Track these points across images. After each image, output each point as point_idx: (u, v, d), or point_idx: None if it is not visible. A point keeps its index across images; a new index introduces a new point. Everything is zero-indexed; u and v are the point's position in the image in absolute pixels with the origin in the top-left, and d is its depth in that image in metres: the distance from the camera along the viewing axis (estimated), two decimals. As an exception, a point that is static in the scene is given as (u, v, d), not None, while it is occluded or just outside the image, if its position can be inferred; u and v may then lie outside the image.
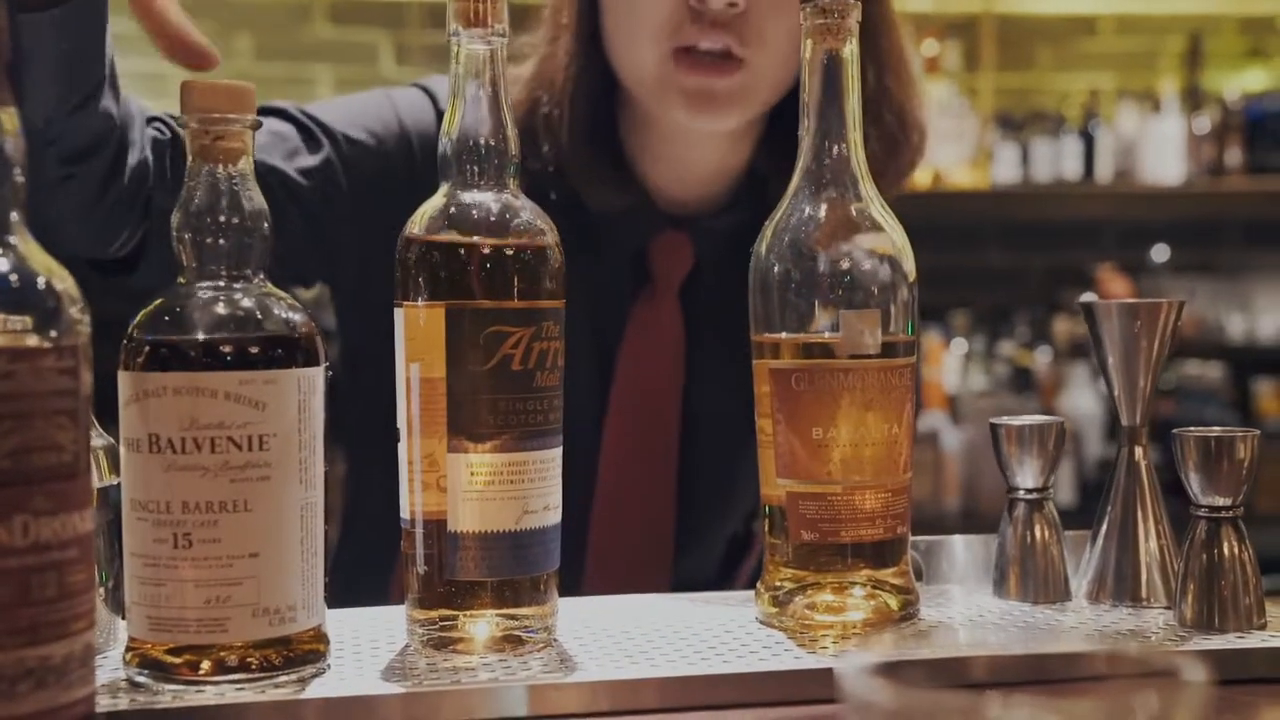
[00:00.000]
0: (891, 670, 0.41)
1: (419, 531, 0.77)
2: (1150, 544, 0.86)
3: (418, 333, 0.76)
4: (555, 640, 0.79)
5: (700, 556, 1.20)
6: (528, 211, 0.78)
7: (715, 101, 1.07)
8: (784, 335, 0.82)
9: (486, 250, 0.76)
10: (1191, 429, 0.80)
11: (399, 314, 0.78)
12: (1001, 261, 3.48)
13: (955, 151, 3.24)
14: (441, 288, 0.76)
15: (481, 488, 0.76)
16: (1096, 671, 0.44)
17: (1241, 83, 3.48)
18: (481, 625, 0.77)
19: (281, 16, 3.25)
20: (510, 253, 0.76)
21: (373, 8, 3.21)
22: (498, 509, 0.76)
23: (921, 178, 3.19)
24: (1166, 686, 0.40)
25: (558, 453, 0.79)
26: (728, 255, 1.16)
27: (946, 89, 3.27)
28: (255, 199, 0.73)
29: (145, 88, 3.34)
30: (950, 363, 3.26)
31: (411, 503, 0.78)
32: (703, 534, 1.19)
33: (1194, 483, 0.80)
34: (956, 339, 3.28)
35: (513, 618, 0.77)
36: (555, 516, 0.78)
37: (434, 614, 0.77)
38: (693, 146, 1.15)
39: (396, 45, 3.22)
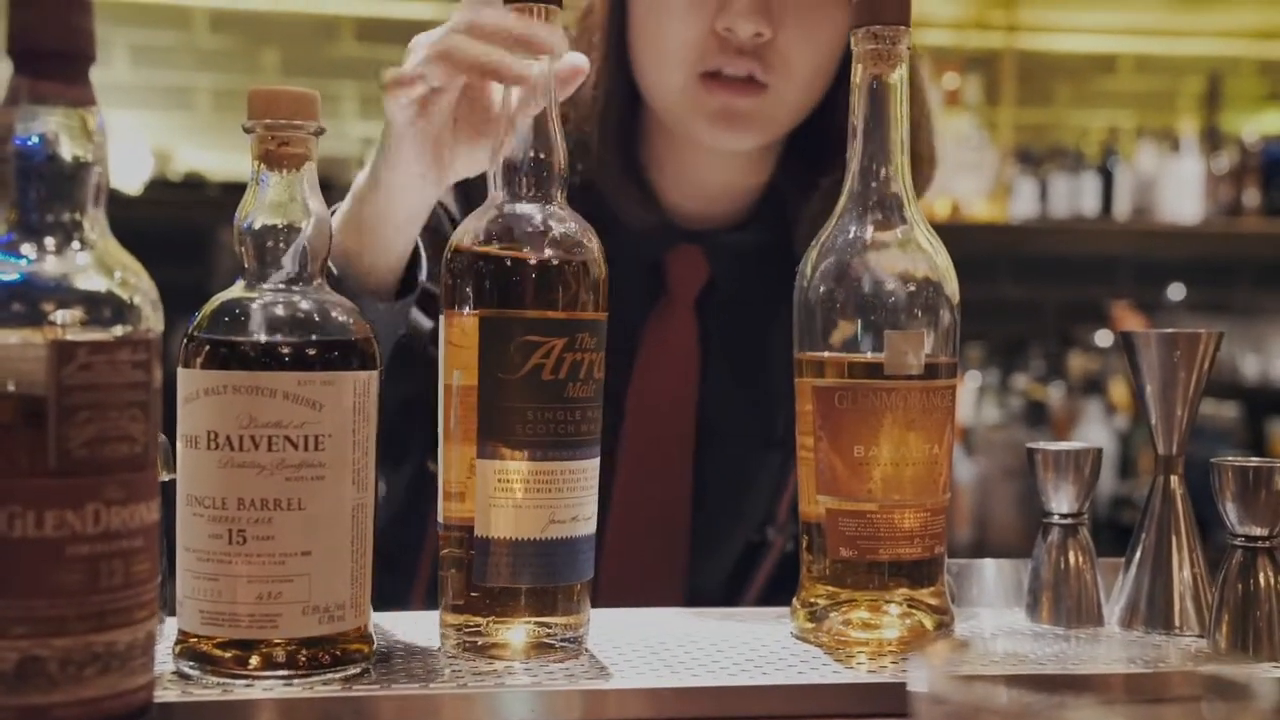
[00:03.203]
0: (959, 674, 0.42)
1: (453, 537, 0.79)
2: (1184, 572, 0.86)
3: (458, 341, 0.78)
4: (587, 650, 0.80)
5: (713, 563, 1.22)
6: (570, 224, 0.79)
7: (737, 120, 1.10)
8: (827, 354, 0.83)
9: (523, 261, 0.78)
10: (1230, 458, 0.81)
11: (442, 322, 0.79)
12: (1017, 295, 3.48)
13: (974, 184, 3.25)
14: (479, 297, 0.77)
15: (511, 495, 0.77)
16: (1159, 687, 0.45)
17: (1260, 125, 3.50)
18: (512, 632, 0.77)
19: (308, 33, 3.27)
20: (550, 264, 0.78)
21: (399, 26, 3.23)
22: (525, 517, 0.77)
23: (940, 209, 3.20)
24: (1232, 698, 0.41)
25: (591, 464, 0.80)
26: (743, 270, 1.19)
27: (967, 122, 3.29)
28: (317, 204, 0.74)
29: (173, 100, 3.35)
30: (963, 395, 3.27)
31: (446, 508, 0.79)
32: (716, 541, 1.21)
33: (1231, 512, 0.81)
34: (970, 371, 3.29)
35: (543, 625, 0.78)
36: (587, 528, 0.79)
37: (466, 619, 0.78)
38: (710, 165, 1.18)
39: (422, 64, 3.24)
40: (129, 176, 3.00)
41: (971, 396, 3.27)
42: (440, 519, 0.80)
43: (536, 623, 0.78)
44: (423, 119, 0.88)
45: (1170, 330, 0.87)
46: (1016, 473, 3.01)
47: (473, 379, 0.77)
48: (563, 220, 0.79)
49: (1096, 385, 3.28)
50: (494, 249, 0.78)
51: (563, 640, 0.78)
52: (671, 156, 1.18)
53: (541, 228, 0.79)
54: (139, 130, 3.10)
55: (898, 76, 0.84)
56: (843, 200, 0.85)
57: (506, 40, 0.81)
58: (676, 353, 1.19)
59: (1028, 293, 3.49)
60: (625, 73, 1.15)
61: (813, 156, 1.15)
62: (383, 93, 0.88)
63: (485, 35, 0.82)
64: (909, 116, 0.84)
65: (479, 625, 0.78)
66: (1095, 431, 3.20)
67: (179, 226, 2.83)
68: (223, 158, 3.13)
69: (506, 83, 0.81)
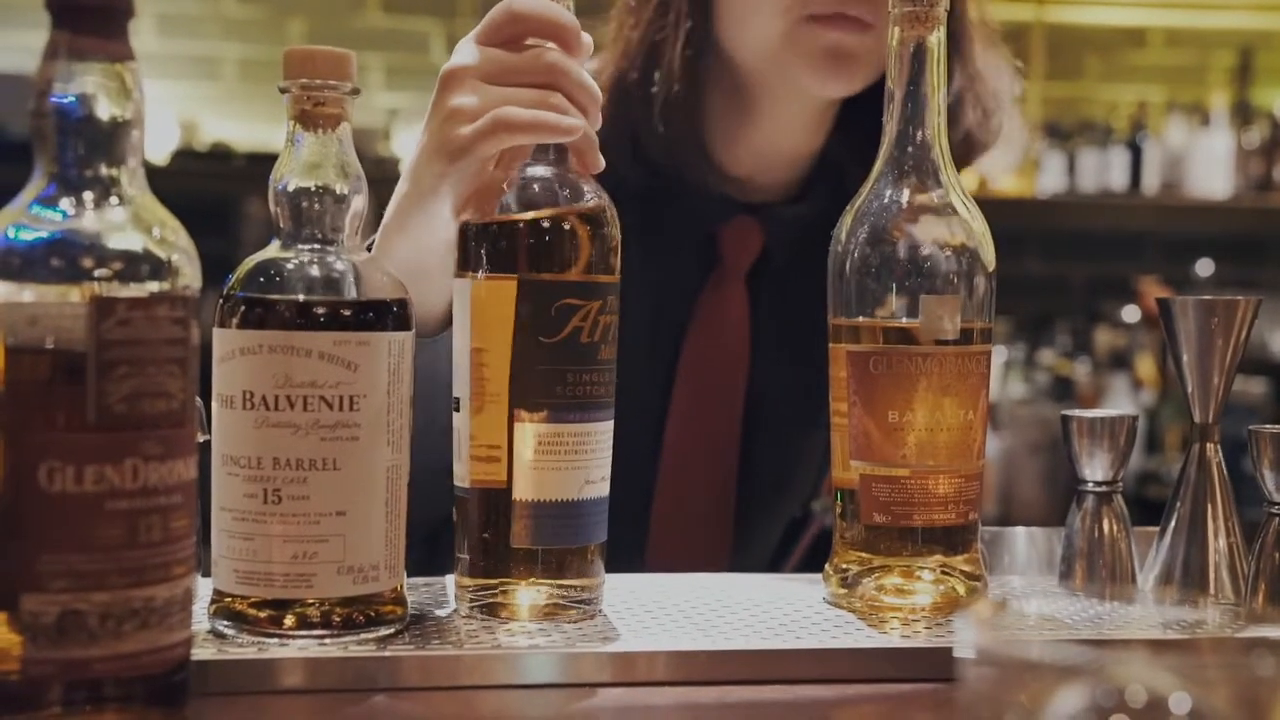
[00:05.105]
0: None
1: (469, 499, 0.79)
2: (1219, 541, 0.86)
3: (474, 304, 0.78)
4: (602, 611, 0.80)
5: (758, 537, 1.22)
6: (586, 187, 0.79)
7: (845, 60, 1.07)
8: (862, 319, 0.83)
9: (540, 223, 0.78)
10: (1268, 426, 0.81)
11: (458, 285, 0.79)
12: (1044, 270, 3.47)
13: (1001, 158, 3.23)
14: (495, 260, 0.77)
15: (528, 458, 0.77)
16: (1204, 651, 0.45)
17: (1291, 99, 3.47)
18: (529, 593, 0.78)
19: (335, 3, 3.27)
20: (566, 226, 0.78)
21: (425, -3, 3.24)
22: (544, 479, 0.77)
23: (967, 183, 3.18)
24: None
25: (605, 426, 0.80)
26: (797, 244, 1.17)
27: (995, 96, 3.27)
28: (352, 164, 0.74)
29: (200, 70, 3.35)
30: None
31: (463, 471, 0.79)
32: (761, 515, 1.21)
33: (1268, 479, 0.80)
34: (996, 346, 3.27)
35: (559, 587, 0.78)
36: (603, 490, 0.80)
37: (481, 581, 0.79)
38: (772, 128, 1.16)
39: (448, 34, 3.23)
40: (155, 146, 3.01)
41: (997, 371, 3.26)
42: (457, 482, 0.80)
43: (553, 584, 0.78)
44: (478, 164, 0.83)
45: (1208, 297, 0.87)
46: (1042, 448, 3.00)
47: (488, 342, 0.77)
48: (579, 183, 0.80)
49: (1123, 360, 3.27)
50: (511, 213, 0.78)
51: (576, 601, 0.78)
52: (734, 121, 1.16)
53: (560, 191, 0.79)
54: (165, 100, 3.10)
55: (935, 39, 0.83)
56: (878, 164, 0.84)
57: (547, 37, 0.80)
58: (728, 325, 1.18)
59: (1055, 268, 3.47)
60: (709, 32, 1.12)
61: (869, 125, 1.14)
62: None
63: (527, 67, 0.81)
64: (946, 79, 0.84)
65: (493, 586, 0.78)
66: (1121, 407, 3.18)
67: (205, 197, 2.83)
68: (249, 128, 3.14)
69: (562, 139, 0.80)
